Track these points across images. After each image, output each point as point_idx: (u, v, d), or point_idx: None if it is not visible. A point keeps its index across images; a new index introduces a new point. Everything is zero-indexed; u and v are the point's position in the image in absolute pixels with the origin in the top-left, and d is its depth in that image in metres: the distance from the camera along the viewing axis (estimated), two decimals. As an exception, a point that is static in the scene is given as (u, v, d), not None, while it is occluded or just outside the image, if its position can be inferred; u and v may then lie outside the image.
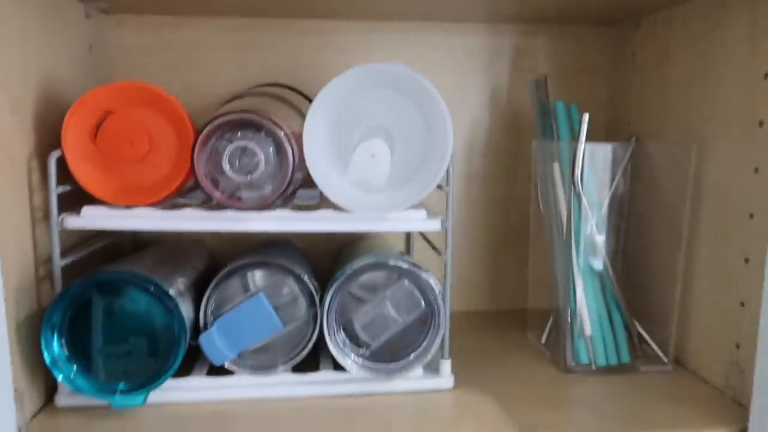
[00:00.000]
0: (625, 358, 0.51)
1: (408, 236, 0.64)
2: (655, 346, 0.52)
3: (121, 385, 0.44)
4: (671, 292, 0.51)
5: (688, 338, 0.52)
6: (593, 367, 0.51)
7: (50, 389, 0.46)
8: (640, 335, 0.53)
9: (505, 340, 0.59)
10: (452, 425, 0.43)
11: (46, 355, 0.42)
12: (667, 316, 0.52)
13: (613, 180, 0.53)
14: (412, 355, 0.47)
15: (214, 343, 0.46)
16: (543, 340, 0.55)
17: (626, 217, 0.54)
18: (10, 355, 0.38)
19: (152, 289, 0.43)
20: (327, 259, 0.58)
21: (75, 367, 0.43)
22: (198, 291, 0.48)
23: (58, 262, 0.44)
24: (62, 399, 0.45)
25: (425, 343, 0.47)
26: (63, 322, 0.43)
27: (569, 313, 0.51)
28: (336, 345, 0.47)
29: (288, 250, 0.55)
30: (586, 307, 0.51)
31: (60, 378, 0.43)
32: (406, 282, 0.47)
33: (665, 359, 0.51)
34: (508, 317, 0.65)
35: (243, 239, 0.54)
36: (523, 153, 0.67)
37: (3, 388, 0.36)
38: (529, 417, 0.43)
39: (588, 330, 0.51)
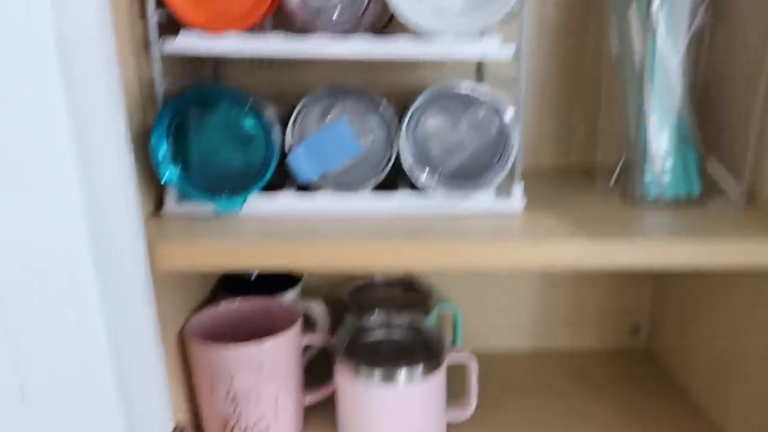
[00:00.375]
0: (696, 192, 0.52)
1: (478, 67, 0.65)
2: (727, 183, 0.52)
3: (220, 193, 0.49)
4: (747, 131, 0.51)
5: (762, 177, 0.51)
6: (662, 201, 0.52)
7: (159, 199, 0.52)
8: (712, 172, 0.53)
9: (574, 185, 0.60)
10: (522, 236, 0.45)
11: (154, 158, 0.47)
12: (741, 154, 0.51)
13: (691, 15, 0.51)
14: (484, 177, 0.49)
15: (301, 162, 0.50)
16: (612, 181, 0.56)
17: (704, 54, 0.53)
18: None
19: (248, 104, 0.47)
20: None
21: (179, 172, 0.49)
22: (284, 125, 0.52)
23: (160, 83, 0.49)
24: (170, 207, 0.51)
25: (497, 165, 0.49)
26: (168, 131, 0.48)
27: (640, 148, 0.51)
28: (412, 167, 0.50)
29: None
30: (658, 141, 0.51)
31: (165, 178, 0.48)
32: (479, 108, 0.49)
33: (737, 196, 0.51)
34: (578, 169, 0.66)
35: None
36: (595, 3, 0.65)
37: (127, 188, 0.41)
38: (596, 230, 0.45)
39: (659, 164, 0.52)
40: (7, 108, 0.34)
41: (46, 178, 0.36)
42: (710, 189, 0.53)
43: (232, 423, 0.56)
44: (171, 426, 0.47)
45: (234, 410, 0.56)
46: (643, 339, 0.76)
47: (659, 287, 0.73)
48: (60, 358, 0.39)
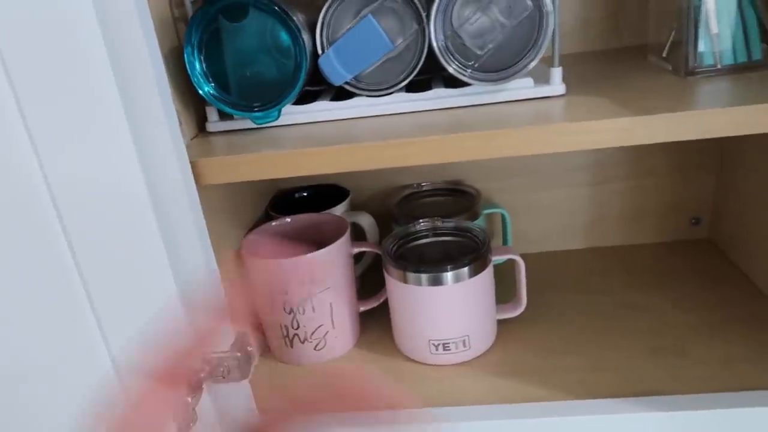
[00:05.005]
0: (757, 54, 0.48)
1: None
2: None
3: (256, 104, 0.49)
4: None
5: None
6: (719, 66, 0.48)
7: (202, 120, 0.53)
8: (776, 31, 0.48)
9: (624, 66, 0.57)
10: (564, 117, 0.44)
11: (190, 69, 0.48)
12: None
13: None
14: (521, 61, 0.47)
15: (332, 64, 0.49)
16: (665, 53, 0.53)
17: None
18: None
19: (277, 9, 0.46)
20: None
21: (215, 86, 0.49)
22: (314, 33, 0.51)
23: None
24: (212, 126, 0.52)
25: (534, 46, 0.47)
26: (200, 45, 0.48)
27: (692, 11, 0.48)
28: (446, 58, 0.48)
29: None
30: (713, 2, 0.47)
31: (203, 94, 0.49)
32: (513, -13, 0.46)
33: (805, 53, 0.47)
34: (629, 51, 0.63)
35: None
36: None
37: (167, 106, 0.42)
38: (642, 105, 0.43)
39: (715, 27, 0.48)
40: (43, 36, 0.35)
41: (92, 107, 0.37)
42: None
43: (291, 332, 0.58)
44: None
45: (292, 320, 0.58)
46: (704, 230, 0.73)
47: (719, 177, 0.69)
48: (125, 272, 0.41)
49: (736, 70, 0.48)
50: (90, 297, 0.42)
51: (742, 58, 0.48)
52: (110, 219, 0.40)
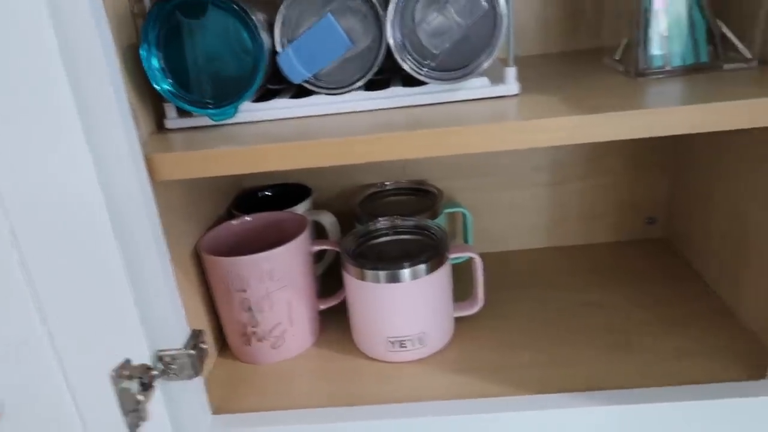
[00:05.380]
0: (704, 57, 0.50)
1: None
2: (738, 43, 0.50)
3: (213, 101, 0.49)
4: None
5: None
6: (668, 68, 0.50)
7: (160, 117, 0.52)
8: (722, 35, 0.50)
9: (578, 67, 0.58)
10: (518, 116, 0.44)
11: (146, 66, 0.47)
12: (754, 13, 0.49)
13: None
14: (476, 61, 0.48)
15: (292, 62, 0.50)
16: (618, 55, 0.54)
17: None
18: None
19: (236, 7, 0.46)
20: None
21: (173, 83, 0.49)
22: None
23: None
24: (170, 122, 0.52)
25: (489, 46, 0.47)
26: (158, 41, 0.47)
27: (644, 14, 0.49)
28: (402, 57, 0.48)
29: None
30: (664, 7, 0.49)
31: (160, 90, 0.48)
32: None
33: (750, 56, 0.49)
34: (586, 53, 0.64)
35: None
36: None
37: (121, 103, 0.42)
38: (594, 104, 0.44)
39: (664, 31, 0.49)
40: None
41: (43, 102, 0.36)
42: (719, 56, 0.50)
43: (249, 330, 0.58)
44: (188, 331, 0.49)
45: (250, 318, 0.58)
46: (659, 229, 0.75)
47: (673, 178, 0.71)
48: (76, 268, 0.41)
49: (684, 71, 0.50)
50: (38, 298, 0.41)
51: (689, 60, 0.50)
52: (61, 217, 0.39)
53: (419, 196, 0.71)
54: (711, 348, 0.55)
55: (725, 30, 0.50)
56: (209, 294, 0.60)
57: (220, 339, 0.63)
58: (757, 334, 0.56)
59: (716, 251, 0.62)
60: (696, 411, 0.48)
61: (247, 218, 0.63)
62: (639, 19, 0.50)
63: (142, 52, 0.47)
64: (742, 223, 0.56)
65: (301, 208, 0.66)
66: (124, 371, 0.43)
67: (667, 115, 0.42)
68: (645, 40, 0.50)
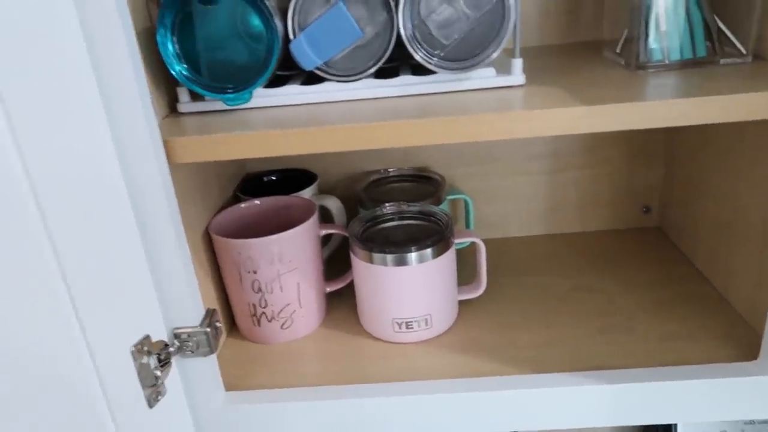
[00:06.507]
0: (701, 51, 0.52)
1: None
2: (734, 38, 0.52)
3: (228, 86, 0.50)
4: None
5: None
6: (666, 62, 0.52)
7: (173, 101, 0.54)
8: (719, 30, 0.52)
9: (580, 59, 0.60)
10: (522, 106, 0.46)
11: (162, 50, 0.48)
12: (749, 9, 0.50)
13: None
14: (484, 52, 0.50)
15: (303, 49, 0.51)
16: (618, 49, 0.56)
17: None
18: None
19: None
20: None
21: (187, 67, 0.50)
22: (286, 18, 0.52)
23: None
24: (183, 107, 0.53)
25: (497, 37, 0.49)
26: (173, 25, 0.49)
27: (644, 9, 0.51)
28: (413, 47, 0.50)
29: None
30: (663, 2, 0.51)
31: (175, 75, 0.50)
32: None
33: (744, 51, 0.51)
34: (586, 45, 0.66)
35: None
36: None
37: (140, 85, 0.43)
38: (595, 95, 0.46)
39: (663, 26, 0.51)
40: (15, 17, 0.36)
41: (66, 86, 0.38)
42: (716, 51, 0.52)
43: (259, 310, 0.60)
44: (203, 311, 0.51)
45: (260, 299, 0.59)
46: (654, 218, 0.77)
47: (668, 168, 0.73)
48: (100, 248, 0.42)
49: (682, 65, 0.52)
50: (64, 276, 0.42)
51: (687, 55, 0.52)
52: (86, 199, 0.40)
53: (422, 183, 0.73)
54: (702, 331, 0.57)
55: (721, 25, 0.52)
56: (218, 275, 0.62)
57: (229, 320, 0.64)
58: (747, 318, 0.58)
59: (707, 238, 0.65)
60: (689, 390, 0.51)
61: (256, 201, 0.65)
62: (640, 14, 0.51)
63: (159, 37, 0.48)
64: (733, 212, 0.59)
65: (307, 193, 0.68)
66: (144, 347, 0.45)
67: (667, 108, 0.44)
68: (645, 35, 0.51)
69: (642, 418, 0.52)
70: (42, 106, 0.38)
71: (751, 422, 0.77)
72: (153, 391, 0.46)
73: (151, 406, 0.46)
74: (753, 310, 0.57)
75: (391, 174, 0.74)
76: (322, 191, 0.73)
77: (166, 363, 0.47)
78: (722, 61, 0.52)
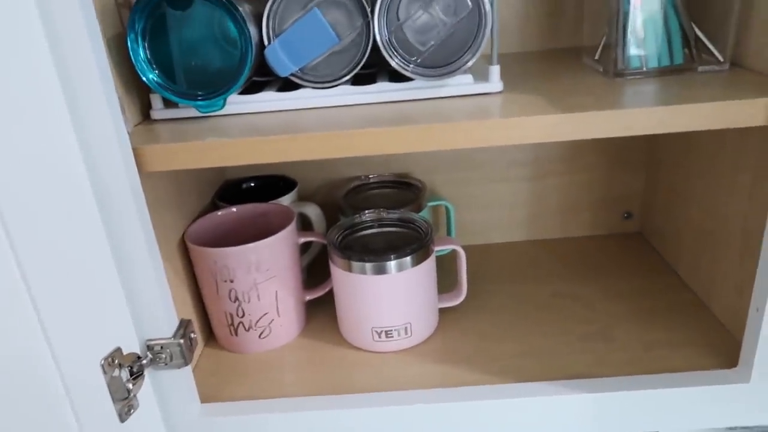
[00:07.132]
0: (679, 59, 0.52)
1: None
2: (711, 46, 0.51)
3: (201, 93, 0.50)
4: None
5: (747, 39, 0.50)
6: (644, 69, 0.52)
7: (146, 107, 0.53)
8: (696, 38, 0.52)
9: (559, 66, 0.60)
10: (500, 113, 0.46)
11: (133, 56, 0.47)
12: (726, 17, 0.50)
13: None
14: (461, 58, 0.49)
15: (278, 55, 0.50)
16: (597, 56, 0.56)
17: None
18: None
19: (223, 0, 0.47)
20: None
21: (159, 73, 0.49)
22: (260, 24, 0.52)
23: (133, -15, 0.49)
24: (156, 113, 0.52)
25: (474, 44, 0.49)
26: (144, 32, 0.48)
27: (621, 17, 0.51)
28: (389, 53, 0.49)
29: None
30: (641, 10, 0.51)
31: (147, 81, 0.49)
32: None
33: (722, 59, 0.51)
34: (566, 52, 0.66)
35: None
36: None
37: (109, 94, 0.42)
38: (573, 102, 0.46)
39: (641, 33, 0.51)
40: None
41: (30, 93, 0.37)
42: (694, 58, 0.52)
43: (236, 320, 0.59)
44: (177, 321, 0.50)
45: (237, 308, 0.58)
46: (635, 224, 0.77)
47: (649, 174, 0.73)
48: (66, 258, 0.41)
49: (660, 72, 0.52)
50: (29, 288, 0.41)
51: (665, 62, 0.52)
52: (51, 208, 0.39)
53: (403, 189, 0.72)
54: (684, 339, 0.57)
55: (699, 33, 0.52)
56: (194, 284, 0.61)
57: (206, 329, 0.63)
58: (728, 326, 0.58)
59: (689, 246, 0.65)
60: (669, 398, 0.51)
61: (233, 209, 0.64)
62: (618, 21, 0.51)
63: (130, 42, 0.47)
64: (714, 219, 0.59)
65: (287, 200, 0.67)
66: (115, 359, 0.44)
67: (644, 116, 0.43)
68: (623, 42, 0.51)
69: (623, 426, 0.52)
70: (2, 110, 0.37)
71: (732, 429, 0.77)
72: (125, 404, 0.45)
73: (122, 420, 0.45)
74: (734, 318, 0.57)
75: (371, 180, 0.74)
76: (303, 198, 0.72)
77: (138, 375, 0.46)
78: (700, 68, 0.52)
